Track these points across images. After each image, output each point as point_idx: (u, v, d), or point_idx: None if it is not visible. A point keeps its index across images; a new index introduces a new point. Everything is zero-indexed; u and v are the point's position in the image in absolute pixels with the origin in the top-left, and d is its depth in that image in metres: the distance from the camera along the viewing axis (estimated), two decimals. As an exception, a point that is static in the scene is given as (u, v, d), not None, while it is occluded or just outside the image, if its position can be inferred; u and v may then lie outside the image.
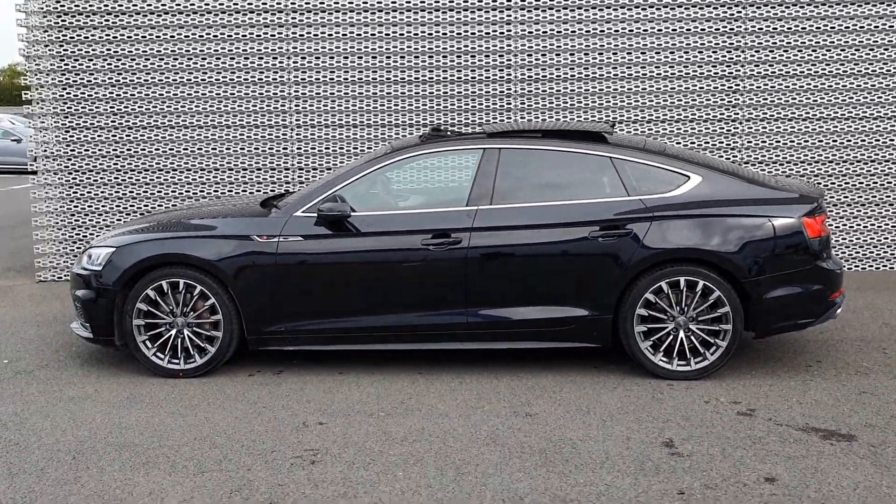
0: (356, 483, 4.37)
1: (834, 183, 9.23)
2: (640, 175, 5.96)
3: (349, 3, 9.13)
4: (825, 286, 5.93)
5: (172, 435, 5.03)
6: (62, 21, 9.20)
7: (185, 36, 9.21)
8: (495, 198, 5.96)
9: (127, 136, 9.37)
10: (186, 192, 9.41)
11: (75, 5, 9.18)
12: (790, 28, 9.06)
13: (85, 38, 9.23)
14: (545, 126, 6.72)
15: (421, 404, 5.48)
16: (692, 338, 5.80)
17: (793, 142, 9.22)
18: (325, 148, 9.35)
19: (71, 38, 9.23)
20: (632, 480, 4.34)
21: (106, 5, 9.17)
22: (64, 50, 9.24)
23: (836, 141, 9.20)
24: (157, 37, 9.22)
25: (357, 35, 9.19)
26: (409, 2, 9.10)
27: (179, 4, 9.16)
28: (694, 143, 9.22)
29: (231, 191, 9.41)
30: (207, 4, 9.15)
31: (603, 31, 9.10)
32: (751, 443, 4.77)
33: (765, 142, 9.22)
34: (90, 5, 9.17)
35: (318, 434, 5.01)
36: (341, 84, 9.26)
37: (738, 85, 9.16)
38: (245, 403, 5.54)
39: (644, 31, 9.09)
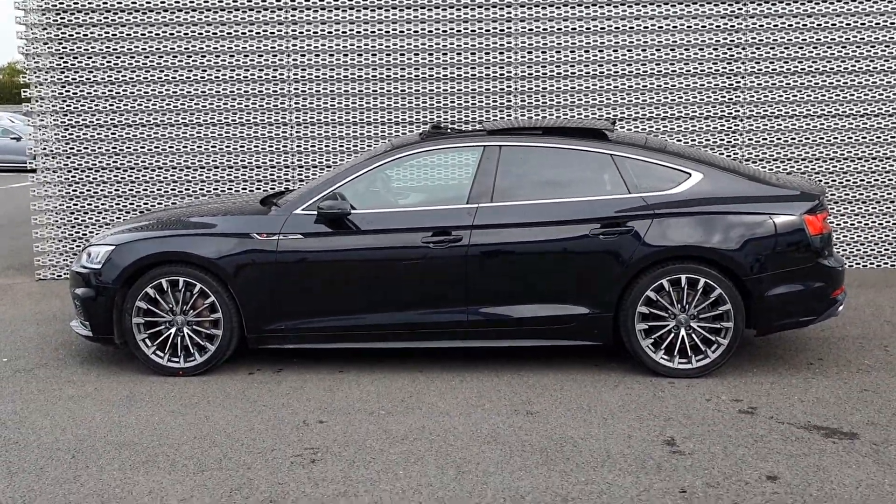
0: (356, 482, 4.36)
1: (835, 180, 9.21)
2: (641, 172, 5.95)
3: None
4: (827, 284, 5.91)
5: (172, 433, 5.02)
6: (61, 18, 9.18)
7: (185, 33, 9.19)
8: (496, 195, 5.94)
9: (126, 134, 9.35)
10: (186, 190, 9.39)
11: (74, 3, 9.15)
12: (791, 25, 9.04)
13: (84, 35, 9.21)
14: (546, 123, 6.70)
15: (421, 402, 5.47)
16: (693, 335, 5.78)
17: (793, 139, 9.20)
18: (325, 146, 9.33)
19: (70, 35, 9.21)
20: (633, 479, 4.33)
21: (105, 2, 9.15)
22: (63, 48, 9.22)
23: (837, 138, 9.18)
24: (156, 34, 9.20)
25: (357, 32, 9.17)
26: (409, -1, 9.10)
27: (179, 1, 9.13)
28: (695, 140, 9.20)
29: (231, 189, 9.39)
30: (207, 1, 9.12)
31: (604, 27, 9.08)
32: (752, 441, 4.75)
33: (765, 139, 9.20)
34: (89, 3, 9.15)
35: (318, 433, 5.00)
36: (341, 81, 9.24)
37: (739, 82, 9.14)
38: (245, 402, 5.53)
39: (645, 27, 9.07)
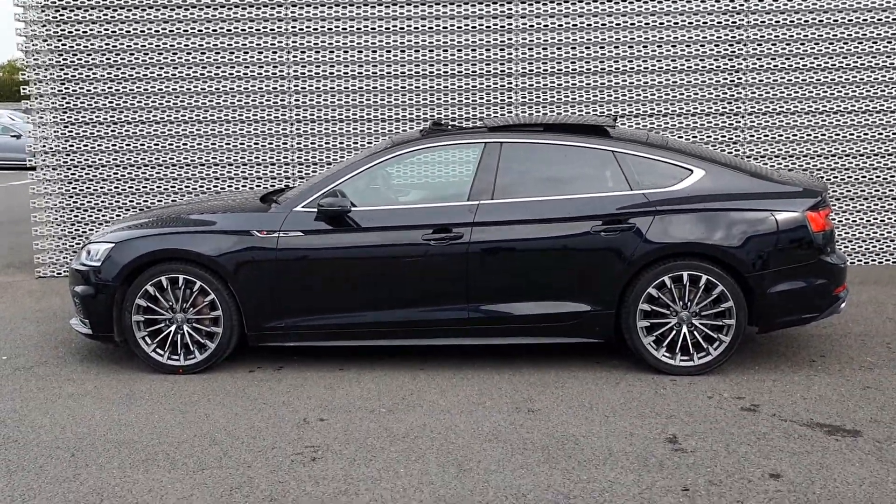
0: (357, 480, 4.34)
1: (836, 176, 9.18)
2: (643, 169, 5.92)
3: (349, -4, 9.10)
4: (829, 281, 5.89)
5: (172, 432, 5.00)
6: (60, 15, 9.15)
7: (184, 30, 9.16)
8: (497, 192, 5.91)
9: (126, 131, 9.33)
10: (186, 187, 9.37)
11: None
12: (792, 21, 9.01)
13: (84, 32, 9.18)
14: (547, 120, 6.67)
15: (422, 400, 5.45)
16: (695, 333, 5.76)
17: (795, 135, 9.17)
18: (325, 143, 9.31)
19: (69, 32, 9.18)
20: (635, 477, 4.30)
21: None
22: (63, 44, 9.19)
23: (838, 134, 9.15)
24: (155, 31, 9.18)
25: (357, 28, 9.14)
26: (410, -5, 9.07)
27: (178, -2, 9.12)
28: (696, 136, 9.17)
29: (231, 186, 9.37)
30: (206, -2, 9.11)
31: (604, 24, 9.05)
32: (755, 438, 4.73)
33: (767, 135, 9.18)
34: None
35: (318, 431, 4.98)
36: (341, 78, 9.22)
37: (741, 79, 9.11)
38: (245, 400, 5.51)
39: (646, 24, 9.04)
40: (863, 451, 4.55)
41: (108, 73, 9.23)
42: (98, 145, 9.33)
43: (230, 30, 9.16)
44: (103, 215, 9.38)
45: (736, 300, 5.70)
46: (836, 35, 8.99)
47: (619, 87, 9.14)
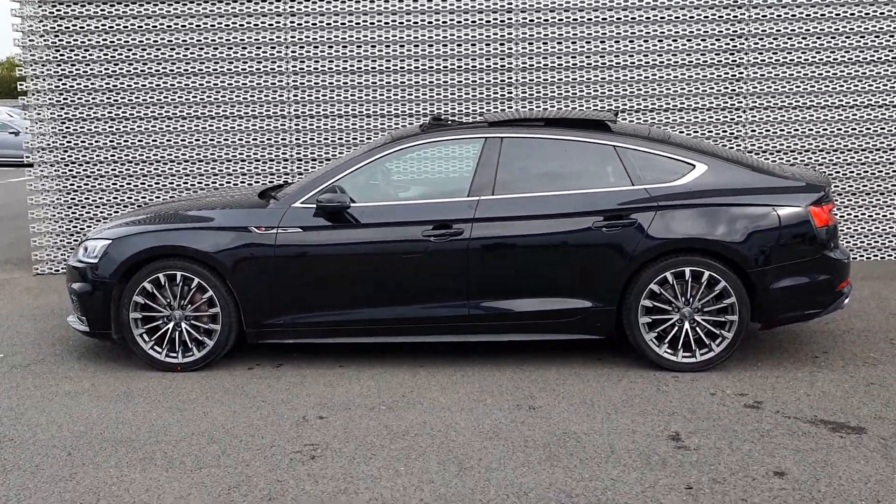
0: (357, 478, 4.29)
1: (839, 171, 9.13)
2: (645, 164, 5.87)
3: (348, -9, 9.04)
4: (833, 276, 5.84)
5: (170, 430, 4.95)
6: (57, 10, 9.09)
7: (182, 25, 9.11)
8: (497, 188, 5.86)
9: (124, 127, 9.27)
10: (183, 183, 9.31)
11: (71, -5, 9.07)
12: (794, 14, 8.95)
13: (81, 27, 9.12)
14: (548, 115, 6.62)
15: (422, 398, 5.40)
16: (697, 329, 5.71)
17: (797, 130, 9.12)
18: (324, 138, 9.25)
19: (66, 27, 9.12)
20: (638, 475, 4.26)
21: (102, -5, 9.08)
22: (60, 40, 9.13)
23: (841, 129, 9.10)
24: (153, 26, 9.12)
25: (356, 24, 9.09)
26: (409, -10, 9.01)
27: (176, -7, 9.06)
28: (698, 131, 9.12)
29: (229, 182, 9.32)
30: (204, -7, 9.05)
31: (605, 18, 9.00)
32: (759, 436, 4.68)
33: (769, 130, 9.12)
34: (86, -5, 9.07)
35: (318, 428, 4.93)
36: (340, 73, 9.16)
37: (743, 73, 9.05)
38: (244, 398, 5.46)
39: (647, 17, 8.99)
40: (868, 449, 4.50)
41: (106, 69, 9.17)
42: (96, 141, 9.28)
43: (228, 25, 9.10)
44: (101, 212, 9.33)
45: (738, 296, 5.65)
46: (837, 29, 8.93)
47: (619, 82, 9.09)
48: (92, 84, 9.20)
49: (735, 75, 9.05)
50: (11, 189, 17.33)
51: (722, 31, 8.99)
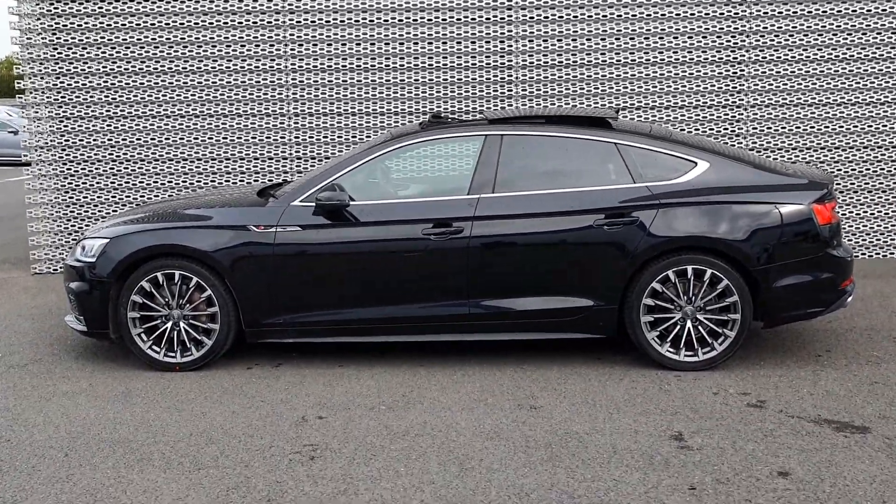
0: (357, 479, 4.25)
1: (841, 169, 9.09)
2: (646, 161, 5.83)
3: (347, -12, 8.99)
4: (836, 274, 5.80)
5: (168, 430, 4.91)
6: (55, 8, 9.05)
7: (181, 23, 9.06)
8: (497, 186, 5.82)
9: (122, 126, 9.23)
10: (182, 182, 9.27)
11: (68, -8, 9.03)
12: (795, 13, 8.90)
13: (79, 25, 9.07)
14: (548, 112, 6.57)
15: (423, 398, 5.36)
16: (700, 328, 5.67)
17: (799, 127, 9.08)
18: (324, 136, 9.21)
19: (64, 25, 9.08)
20: (641, 475, 4.22)
21: (99, -8, 9.03)
22: (57, 38, 9.09)
23: (842, 127, 9.06)
24: (152, 24, 9.07)
25: (355, 21, 9.04)
26: (408, -13, 8.96)
27: (174, -9, 9.01)
28: (699, 129, 9.07)
29: (227, 180, 9.28)
30: (203, -9, 9.00)
31: (606, 15, 8.95)
32: (762, 435, 4.64)
33: (771, 127, 9.08)
34: (83, -8, 9.03)
35: (317, 429, 4.89)
36: (339, 71, 9.11)
37: (743, 70, 9.01)
38: (243, 398, 5.42)
39: (648, 15, 8.94)
40: (872, 448, 4.46)
41: (104, 67, 9.13)
42: (93, 140, 9.24)
43: (227, 22, 9.05)
44: (99, 210, 9.29)
45: (741, 294, 5.61)
46: (838, 25, 8.89)
47: (620, 79, 9.04)
48: (90, 82, 9.15)
49: (736, 72, 9.01)
50: (10, 188, 17.28)
51: (722, 28, 8.95)
